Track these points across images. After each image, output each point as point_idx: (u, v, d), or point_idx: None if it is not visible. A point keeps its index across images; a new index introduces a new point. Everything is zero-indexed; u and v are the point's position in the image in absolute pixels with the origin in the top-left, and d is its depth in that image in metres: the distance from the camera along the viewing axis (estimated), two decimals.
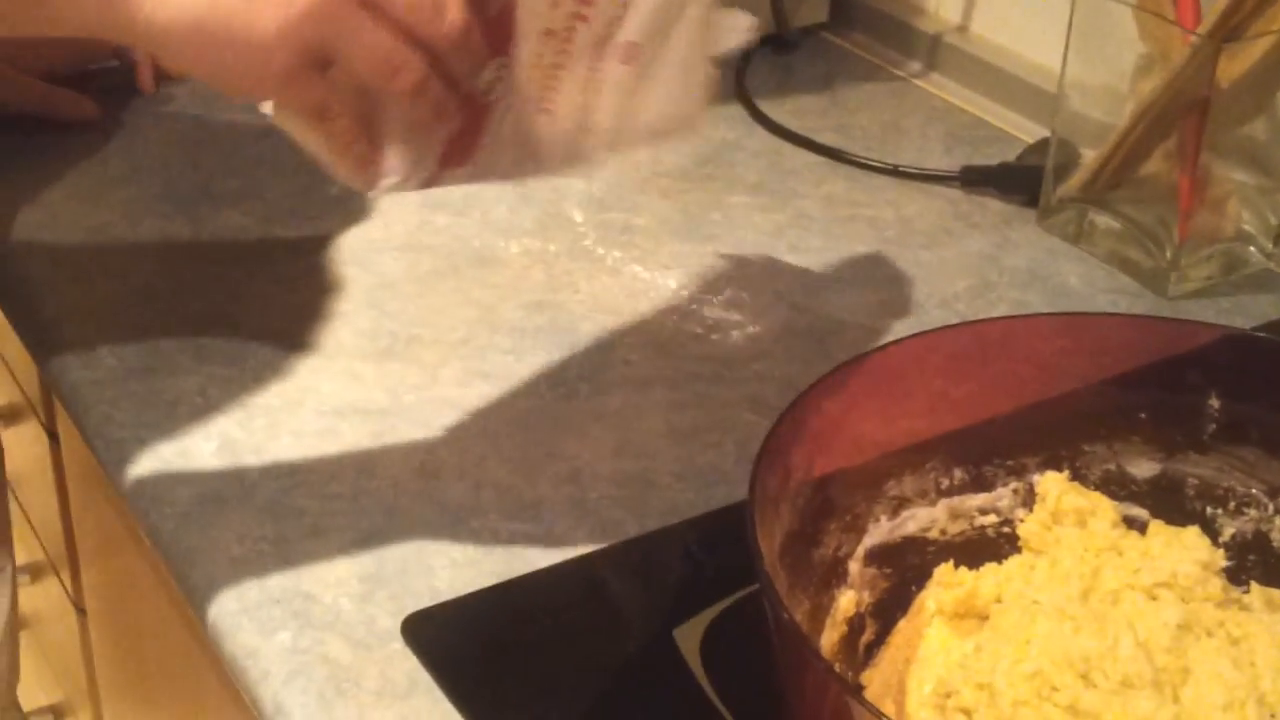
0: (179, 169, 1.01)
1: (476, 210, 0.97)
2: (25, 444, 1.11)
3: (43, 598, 1.24)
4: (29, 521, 1.20)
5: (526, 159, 0.68)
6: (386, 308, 0.88)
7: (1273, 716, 0.52)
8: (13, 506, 1.19)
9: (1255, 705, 0.52)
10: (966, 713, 0.54)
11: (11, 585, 0.91)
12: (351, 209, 0.97)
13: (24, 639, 1.37)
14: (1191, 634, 0.55)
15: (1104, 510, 0.63)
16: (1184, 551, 0.58)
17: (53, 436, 1.05)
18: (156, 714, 1.02)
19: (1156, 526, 0.62)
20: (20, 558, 1.26)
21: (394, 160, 0.65)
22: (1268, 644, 0.54)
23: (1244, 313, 0.91)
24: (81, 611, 1.13)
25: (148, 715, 1.05)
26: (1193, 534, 0.60)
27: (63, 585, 1.15)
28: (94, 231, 0.94)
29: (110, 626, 1.08)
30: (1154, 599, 0.56)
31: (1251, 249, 0.95)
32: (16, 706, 0.92)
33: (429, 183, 0.67)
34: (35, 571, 1.21)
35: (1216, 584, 0.58)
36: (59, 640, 1.23)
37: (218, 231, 0.94)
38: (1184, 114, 0.90)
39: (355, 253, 0.93)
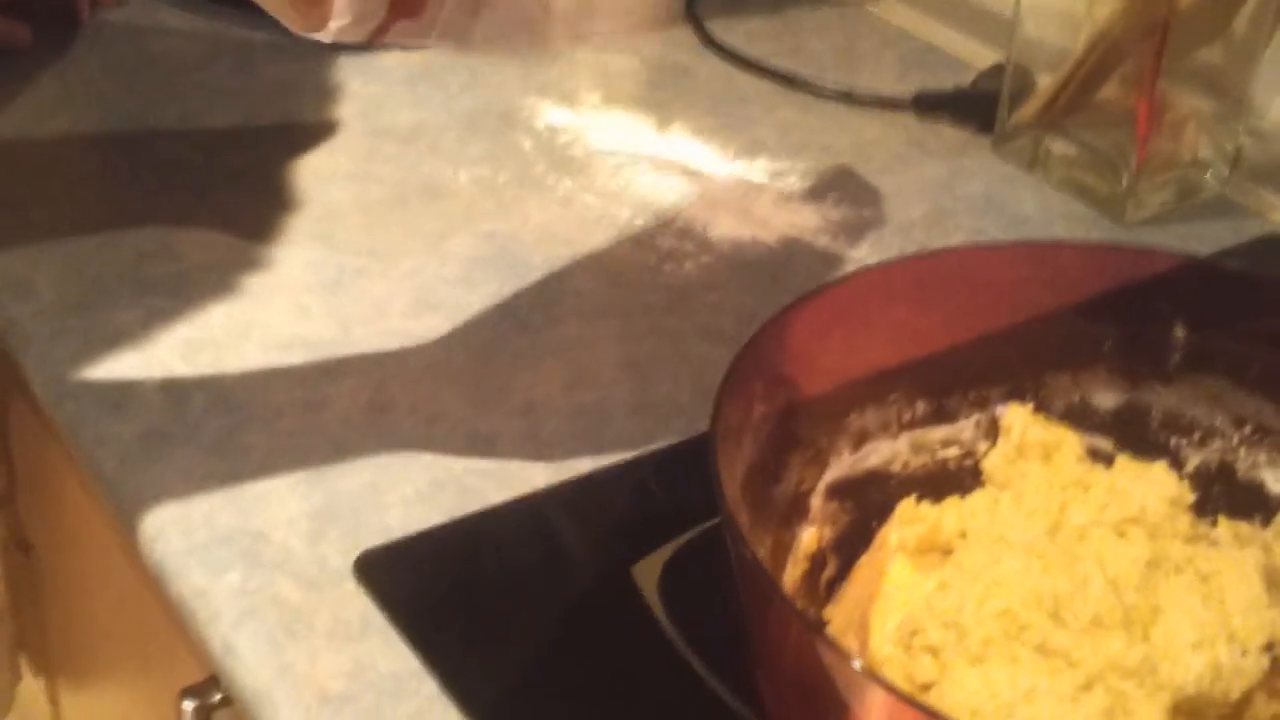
0: (116, 97, 0.98)
1: (424, 139, 0.95)
2: None
3: None
4: None
5: (483, 28, 0.65)
6: (334, 239, 0.86)
7: (1244, 653, 0.52)
8: None
9: (1226, 642, 0.52)
10: (933, 651, 0.53)
11: None
12: (296, 138, 0.95)
13: None
14: (1160, 571, 0.54)
15: (1069, 444, 0.62)
16: (1151, 487, 0.58)
17: None
18: (105, 653, 1.00)
19: (1123, 461, 0.61)
20: None
21: (342, 2, 0.61)
22: (1237, 580, 0.54)
23: (1200, 239, 0.91)
24: (26, 549, 1.11)
25: (96, 654, 1.04)
26: (1160, 469, 0.60)
27: (5, 523, 1.13)
28: (29, 160, 0.92)
29: (55, 565, 1.06)
30: (1122, 535, 0.56)
31: (1208, 175, 0.95)
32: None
33: (379, 33, 0.63)
34: None
35: (1185, 520, 0.57)
36: (6, 579, 1.20)
37: (157, 161, 0.92)
38: (1142, 38, 0.89)
39: (300, 182, 0.91)
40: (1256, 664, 0.52)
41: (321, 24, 0.62)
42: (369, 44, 0.64)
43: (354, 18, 0.62)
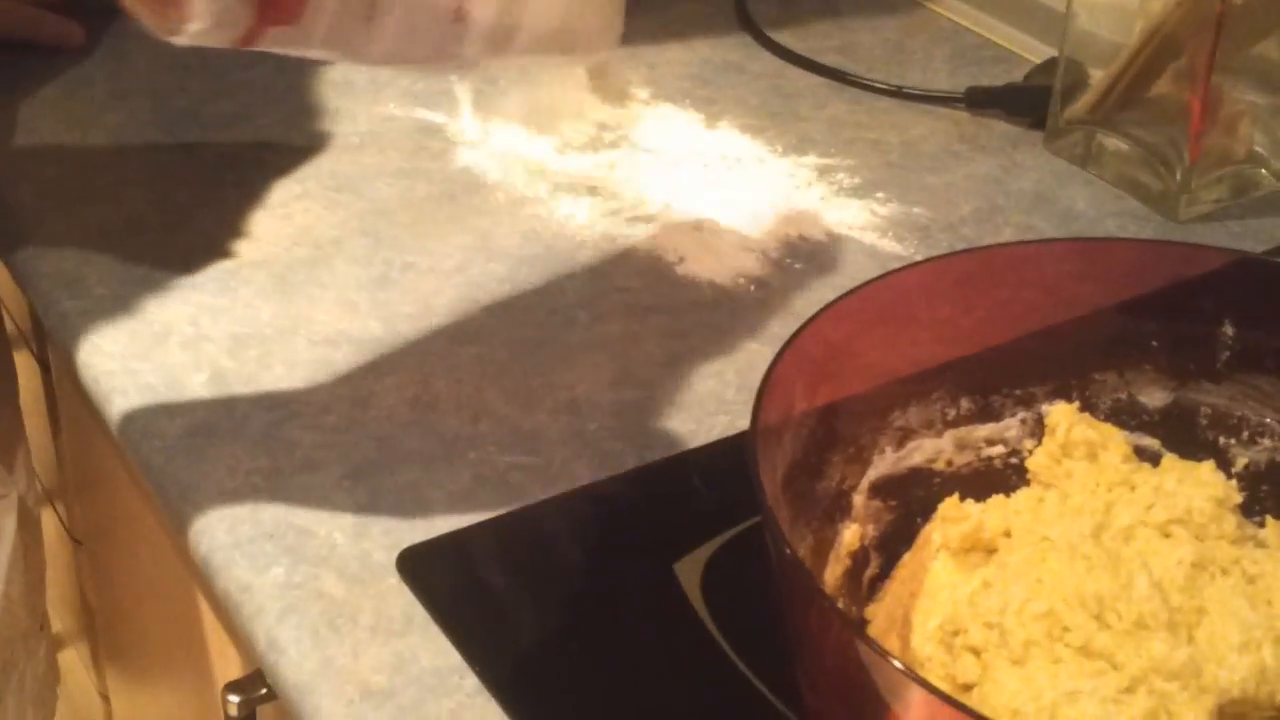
0: (168, 93, 0.99)
1: (472, 135, 0.95)
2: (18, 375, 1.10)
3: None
4: None
5: (381, 39, 0.60)
6: (381, 235, 0.86)
7: None
8: None
9: (1272, 645, 0.51)
10: (975, 651, 0.52)
11: (17, 512, 0.89)
12: (344, 135, 0.95)
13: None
14: (1206, 572, 0.54)
15: (1115, 443, 0.61)
16: (1198, 487, 0.57)
17: (45, 367, 1.04)
18: (153, 646, 1.01)
19: (1170, 461, 0.61)
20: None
21: (200, 3, 0.56)
22: None
23: (1255, 236, 0.90)
24: (77, 543, 1.12)
25: (144, 647, 1.05)
26: (1207, 469, 0.59)
27: (58, 516, 1.14)
28: (82, 158, 0.92)
29: (105, 558, 1.07)
30: (1168, 536, 0.55)
31: (1263, 171, 0.93)
32: (38, 634, 0.90)
33: (249, 39, 0.59)
34: (31, 503, 1.20)
35: (1231, 520, 0.57)
36: (55, 572, 1.21)
37: (207, 157, 0.93)
38: (1196, 32, 0.88)
39: (349, 179, 0.91)
40: None
41: (178, 27, 0.57)
42: (242, 49, 0.59)
43: (214, 22, 0.57)
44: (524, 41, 0.63)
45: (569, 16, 0.64)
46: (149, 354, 0.77)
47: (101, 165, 0.92)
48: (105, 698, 1.20)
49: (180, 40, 0.58)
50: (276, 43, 0.59)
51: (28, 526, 0.88)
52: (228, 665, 0.79)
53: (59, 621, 1.30)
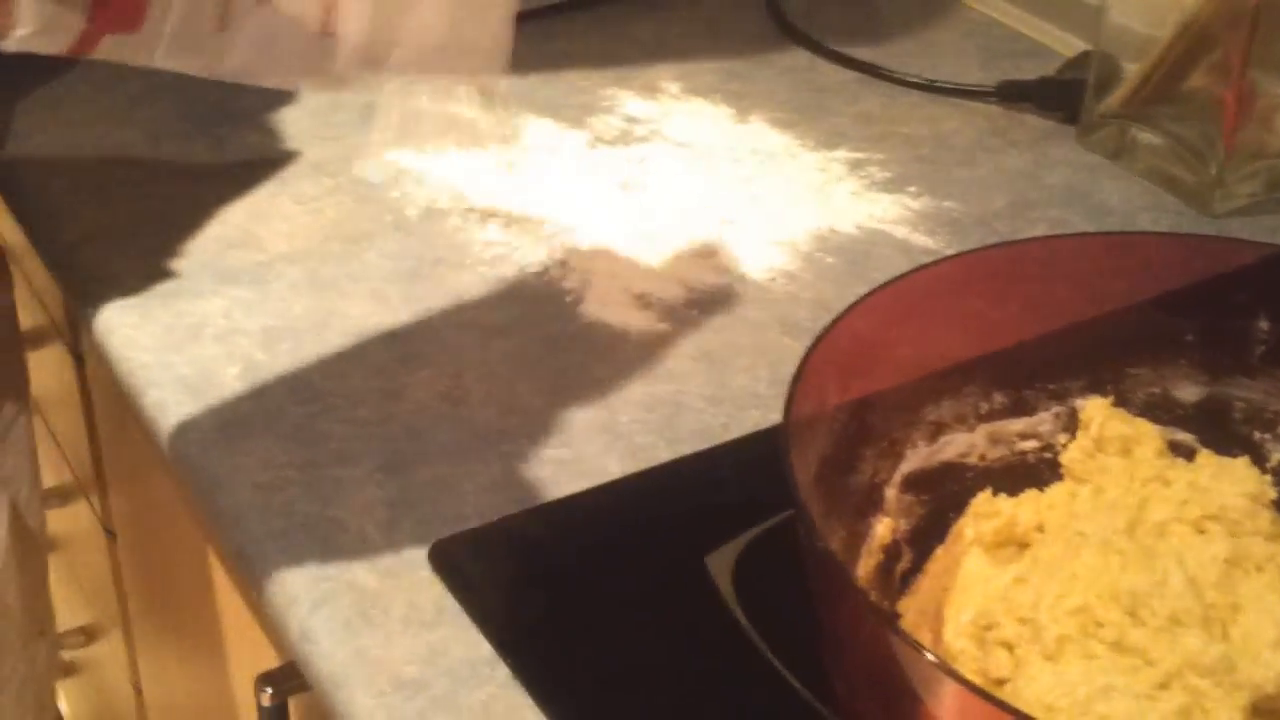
0: (199, 88, 0.98)
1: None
2: (52, 367, 1.10)
3: (72, 521, 1.23)
4: (58, 444, 1.20)
5: (234, 50, 0.58)
6: (413, 229, 0.86)
7: None
8: (41, 429, 1.18)
9: None
10: (1008, 646, 0.52)
11: (8, 515, 0.88)
12: (375, 129, 0.95)
13: (54, 561, 1.37)
14: (1241, 569, 0.53)
15: (1149, 438, 0.61)
16: (1233, 483, 0.57)
17: (79, 359, 1.04)
18: (185, 638, 1.01)
19: (1204, 456, 0.60)
20: (49, 480, 1.25)
21: (26, 7, 0.53)
22: None
23: None
24: (110, 534, 1.12)
25: (177, 639, 1.05)
26: (1241, 465, 0.59)
27: (92, 508, 1.14)
28: (115, 152, 0.93)
29: (139, 550, 1.08)
30: (1202, 532, 0.55)
31: None
32: (36, 638, 0.90)
33: (82, 46, 0.55)
34: (64, 494, 1.21)
35: (1266, 516, 0.56)
36: (89, 563, 1.22)
37: (239, 151, 0.93)
38: (1230, 26, 0.87)
39: (380, 173, 0.91)
40: None
41: (3, 33, 0.54)
42: (76, 57, 0.56)
43: (42, 26, 0.54)
44: (402, 58, 0.61)
45: (452, 34, 0.61)
46: (183, 347, 0.77)
47: (134, 159, 0.92)
48: (138, 689, 1.20)
49: (8, 46, 0.54)
50: (115, 52, 0.56)
51: (20, 529, 0.88)
52: (260, 657, 0.80)
53: (91, 612, 1.31)
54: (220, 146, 0.93)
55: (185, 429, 0.72)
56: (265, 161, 0.92)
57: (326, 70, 0.60)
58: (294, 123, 0.96)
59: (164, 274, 0.82)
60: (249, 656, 0.84)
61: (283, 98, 0.98)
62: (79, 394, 1.06)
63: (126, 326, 0.78)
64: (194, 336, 0.78)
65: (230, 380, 0.75)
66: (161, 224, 0.86)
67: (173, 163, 0.92)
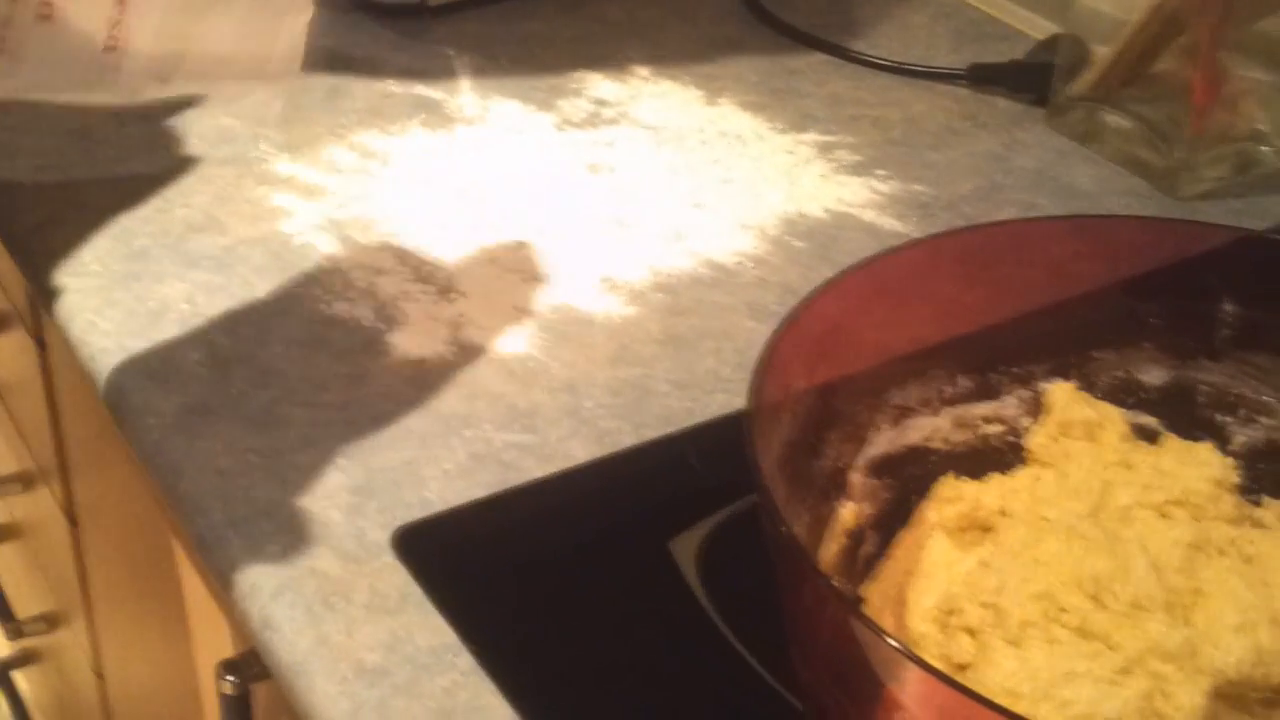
0: None
1: (469, 113, 0.95)
2: (14, 352, 1.10)
3: (34, 507, 1.22)
4: (19, 430, 1.19)
5: (20, 74, 0.57)
6: (380, 212, 0.85)
7: None
8: (2, 415, 1.17)
9: (1269, 626, 0.51)
10: (971, 631, 0.52)
11: None
12: (344, 110, 0.94)
13: (17, 548, 1.36)
14: (1204, 553, 0.53)
15: (1113, 422, 0.61)
16: (1197, 468, 0.57)
17: (41, 344, 1.03)
18: (148, 625, 1.01)
19: (1168, 441, 0.60)
20: (10, 466, 1.25)
21: None
22: None
23: (1257, 214, 0.89)
24: (73, 521, 1.12)
25: (139, 626, 1.04)
26: (1205, 449, 0.59)
27: (54, 494, 1.14)
28: (79, 133, 0.92)
29: (101, 536, 1.07)
30: (1165, 517, 0.55)
31: (1264, 148, 0.93)
32: None
33: None
34: (26, 480, 1.20)
35: (1229, 501, 0.56)
36: (51, 550, 1.22)
37: (205, 133, 0.92)
38: (1199, 9, 0.87)
39: (348, 155, 0.90)
40: None
41: None
42: None
43: None
44: (194, 68, 0.60)
45: (243, 42, 0.60)
46: (145, 331, 0.76)
47: (98, 140, 0.92)
48: (100, 675, 1.20)
49: None
50: None
51: None
52: (223, 643, 0.79)
53: (54, 599, 1.30)
54: (185, 128, 0.93)
55: (147, 414, 0.71)
56: (231, 143, 0.91)
57: (117, 85, 0.58)
58: (261, 105, 0.95)
59: (126, 257, 0.81)
60: (212, 643, 0.84)
61: None
62: (41, 379, 1.05)
63: (88, 311, 0.77)
64: (156, 321, 0.77)
65: (192, 365, 0.74)
66: (124, 207, 0.85)
67: (138, 144, 0.91)
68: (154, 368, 0.74)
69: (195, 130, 0.92)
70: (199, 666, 0.89)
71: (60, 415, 1.06)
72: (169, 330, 0.76)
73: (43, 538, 1.25)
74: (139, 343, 0.75)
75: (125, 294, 0.79)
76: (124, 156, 0.90)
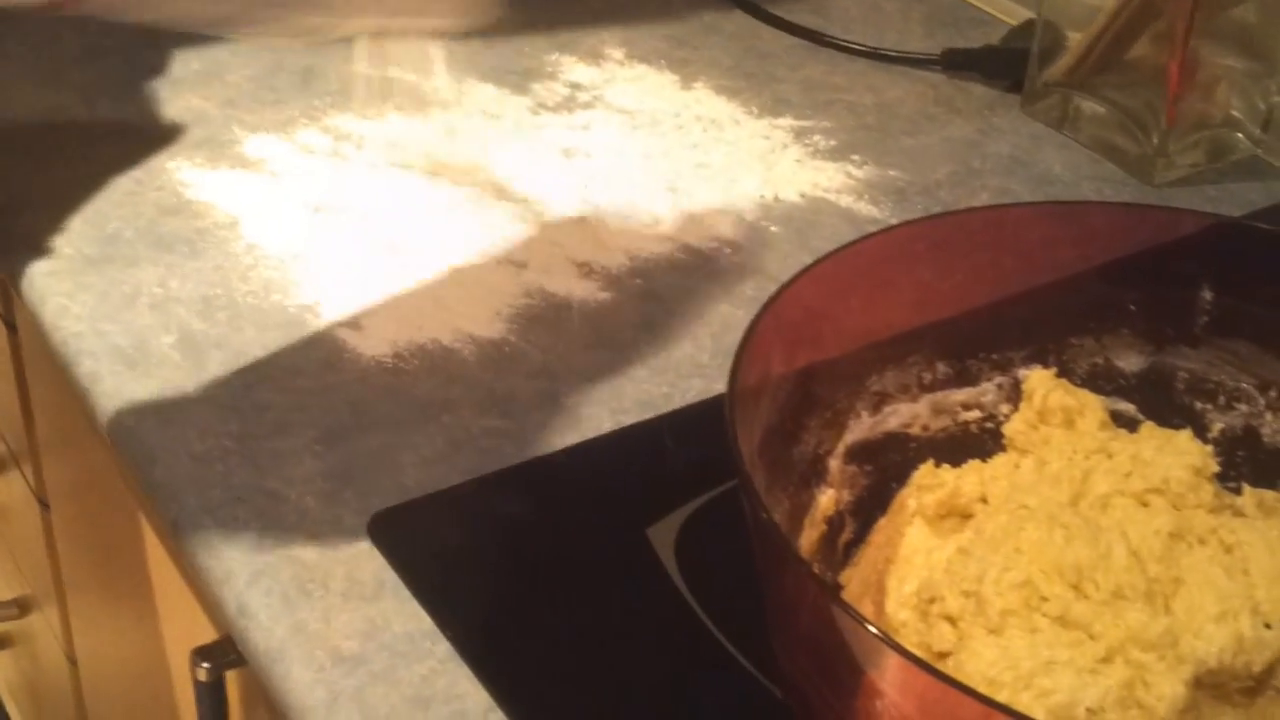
0: (137, 49, 0.97)
1: (440, 95, 0.94)
2: None
3: (5, 491, 1.22)
4: None
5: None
6: (353, 195, 0.85)
7: (1267, 626, 0.51)
8: None
9: (1249, 615, 0.51)
10: (951, 619, 0.52)
11: None
12: (318, 93, 0.94)
13: None
14: (1184, 542, 0.53)
15: (1091, 409, 0.61)
16: (1176, 456, 0.57)
17: (11, 327, 1.02)
18: (121, 610, 1.00)
19: (1147, 428, 0.60)
20: None
21: None
22: (1262, 551, 0.53)
23: (1232, 200, 0.90)
24: (44, 505, 1.11)
25: (113, 611, 1.04)
26: (1184, 437, 0.59)
27: (25, 478, 1.13)
28: (50, 114, 0.91)
29: (73, 520, 1.06)
30: (1145, 505, 0.55)
31: (1239, 135, 0.93)
32: None
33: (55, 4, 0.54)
34: None
35: (1209, 489, 0.56)
36: (23, 534, 1.21)
37: (178, 115, 0.91)
38: None
39: (322, 138, 0.90)
40: (1279, 636, 0.51)
41: None
42: (51, 12, 0.54)
43: None
44: (384, 11, 0.59)
45: None
46: (118, 315, 0.76)
47: (70, 121, 0.91)
48: (73, 661, 1.19)
49: None
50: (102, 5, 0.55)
51: None
52: (197, 630, 0.79)
53: (25, 583, 1.30)
54: (158, 110, 0.92)
55: (119, 399, 0.71)
56: (204, 125, 0.90)
57: (283, 20, 0.58)
58: (234, 86, 0.94)
59: (99, 241, 0.80)
60: (186, 629, 0.83)
61: (223, 62, 0.96)
62: (11, 363, 1.04)
63: (59, 295, 0.77)
64: (129, 305, 0.76)
65: (166, 350, 0.74)
66: (96, 189, 0.85)
67: (110, 126, 0.91)
68: (127, 352, 0.73)
69: (167, 112, 0.92)
70: (173, 653, 0.89)
71: (31, 399, 1.05)
72: (142, 314, 0.76)
73: (14, 521, 1.24)
74: (111, 327, 0.75)
75: (97, 277, 0.78)
76: (95, 139, 0.89)
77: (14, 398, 1.07)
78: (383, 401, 0.71)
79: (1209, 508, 0.56)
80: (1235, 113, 0.92)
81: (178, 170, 0.86)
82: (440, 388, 0.72)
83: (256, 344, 0.74)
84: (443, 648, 0.60)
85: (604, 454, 0.69)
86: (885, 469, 0.63)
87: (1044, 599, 0.51)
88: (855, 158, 0.91)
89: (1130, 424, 0.63)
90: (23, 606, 1.31)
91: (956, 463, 0.62)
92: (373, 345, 0.74)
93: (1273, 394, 0.63)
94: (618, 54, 1.00)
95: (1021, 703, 0.49)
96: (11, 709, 1.53)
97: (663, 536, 0.64)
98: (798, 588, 0.51)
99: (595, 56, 1.00)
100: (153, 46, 0.98)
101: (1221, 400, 0.64)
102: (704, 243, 0.83)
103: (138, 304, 0.76)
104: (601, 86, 0.97)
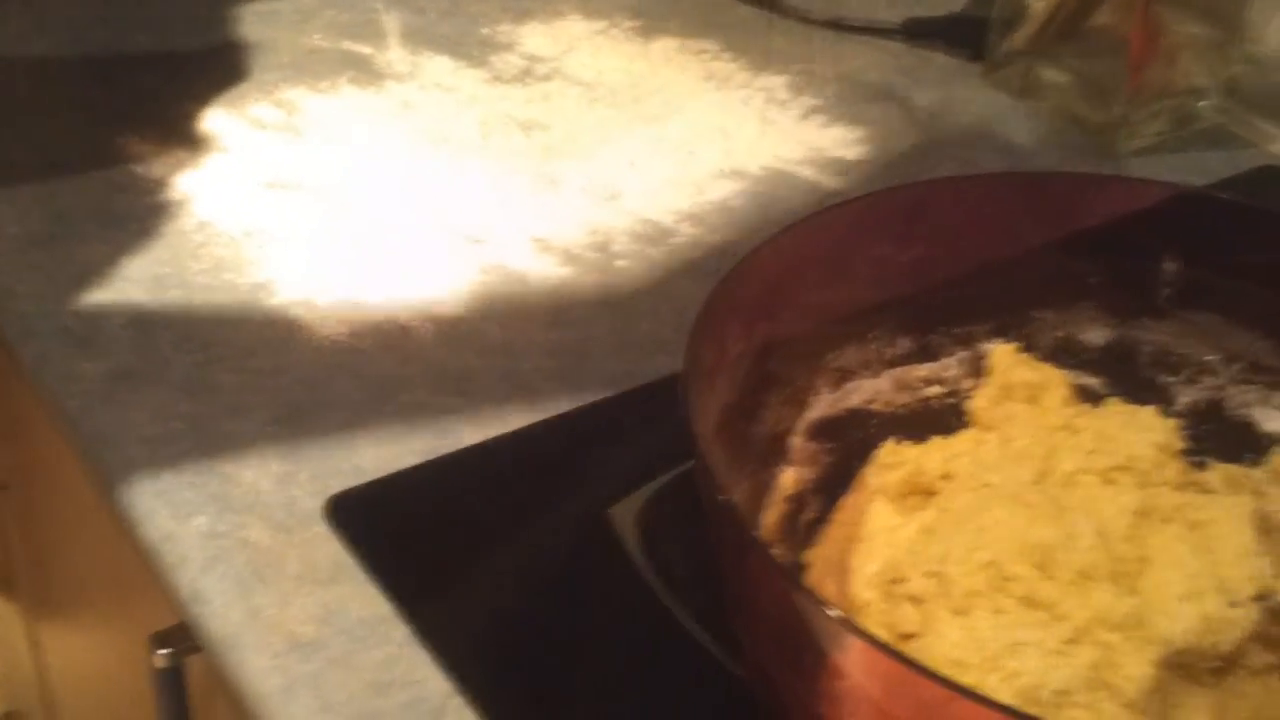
0: (87, 25, 0.96)
1: (404, 65, 0.93)
2: None
3: None
4: None
5: None
6: (306, 171, 0.84)
7: (1234, 604, 0.50)
8: None
9: (1215, 594, 0.50)
10: (915, 601, 0.51)
11: None
12: (270, 67, 0.92)
13: None
14: (1150, 521, 0.53)
15: (1056, 384, 0.60)
16: (1141, 433, 0.56)
17: None
18: (80, 595, 0.99)
19: (1112, 404, 0.60)
20: None
21: None
22: (1228, 529, 0.52)
23: (1196, 169, 0.89)
24: (1, 487, 1.09)
25: (71, 596, 1.02)
26: (1149, 414, 0.58)
27: None
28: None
29: (31, 504, 1.05)
30: (1111, 483, 0.54)
31: (1202, 104, 0.92)
32: None
33: None
34: None
35: (1174, 466, 0.56)
36: None
37: (130, 91, 0.90)
38: None
39: (274, 114, 0.88)
40: (1247, 615, 0.51)
41: None
42: None
43: None
44: None
45: None
46: (66, 295, 0.74)
47: (19, 99, 0.89)
48: (36, 645, 1.17)
49: None
50: None
51: None
52: (156, 614, 0.77)
53: None
54: (109, 86, 0.90)
55: (69, 381, 0.70)
56: (155, 100, 0.89)
57: None
58: (186, 61, 0.92)
59: (47, 218, 0.79)
60: (145, 614, 0.82)
61: (176, 35, 0.95)
62: None
63: (4, 274, 0.75)
64: (78, 283, 0.75)
65: (116, 329, 0.72)
66: (45, 166, 0.83)
67: (60, 102, 0.89)
68: (77, 332, 0.72)
69: (116, 88, 0.90)
70: (136, 638, 0.87)
71: None
72: (92, 294, 0.74)
73: None
74: (60, 307, 0.73)
75: (45, 256, 0.76)
76: (44, 114, 0.88)
77: None
78: (338, 381, 0.70)
79: (1175, 484, 0.55)
80: (1198, 81, 0.92)
81: (128, 147, 0.85)
82: (396, 366, 0.71)
83: (209, 323, 0.73)
84: (401, 632, 0.59)
85: (564, 433, 0.68)
86: (848, 446, 0.62)
87: (1009, 580, 0.50)
88: (816, 129, 0.90)
89: (1095, 398, 0.62)
90: None
91: (920, 438, 0.61)
92: (327, 324, 0.73)
93: (1237, 366, 0.63)
94: (576, 25, 0.99)
95: (988, 685, 0.48)
96: None
97: (625, 517, 0.63)
98: (758, 571, 0.51)
99: (552, 28, 0.99)
100: (104, 23, 0.96)
101: (1186, 374, 0.63)
102: (663, 216, 0.82)
103: (87, 282, 0.75)
104: (559, 58, 0.96)
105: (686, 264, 0.78)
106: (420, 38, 0.96)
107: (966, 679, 0.48)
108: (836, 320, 0.63)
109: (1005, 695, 0.48)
